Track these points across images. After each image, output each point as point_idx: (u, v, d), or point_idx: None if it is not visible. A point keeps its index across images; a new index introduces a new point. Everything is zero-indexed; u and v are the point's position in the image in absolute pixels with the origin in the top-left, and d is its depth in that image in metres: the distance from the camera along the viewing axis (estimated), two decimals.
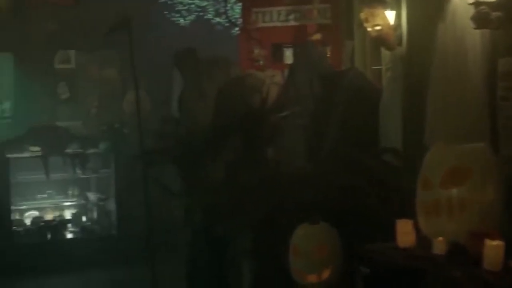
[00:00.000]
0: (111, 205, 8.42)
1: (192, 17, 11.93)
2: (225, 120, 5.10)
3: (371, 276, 3.68)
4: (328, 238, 4.16)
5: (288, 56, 6.96)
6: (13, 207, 8.05)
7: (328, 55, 6.27)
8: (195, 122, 5.70)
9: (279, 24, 6.91)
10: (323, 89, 5.36)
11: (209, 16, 11.98)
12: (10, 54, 10.75)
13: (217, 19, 11.96)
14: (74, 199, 8.52)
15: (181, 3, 11.89)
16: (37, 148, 8.06)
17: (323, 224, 4.19)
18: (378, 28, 4.73)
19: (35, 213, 8.37)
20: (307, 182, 4.66)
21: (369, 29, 4.84)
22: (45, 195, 8.50)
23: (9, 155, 7.93)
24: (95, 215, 8.66)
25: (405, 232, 3.49)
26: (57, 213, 8.45)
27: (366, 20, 4.77)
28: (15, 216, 8.22)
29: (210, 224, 5.48)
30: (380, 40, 4.89)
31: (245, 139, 5.03)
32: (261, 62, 6.92)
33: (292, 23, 6.89)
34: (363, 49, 5.82)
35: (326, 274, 4.10)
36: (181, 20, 11.83)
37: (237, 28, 9.90)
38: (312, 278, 4.13)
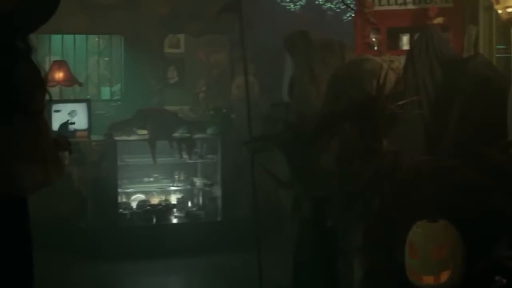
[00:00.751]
0: (217, 191, 8.28)
1: (302, 2, 11.60)
2: (339, 106, 4.81)
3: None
4: (448, 238, 3.84)
5: (405, 41, 6.61)
6: (119, 190, 8.02)
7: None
8: (306, 107, 5.43)
9: (396, 7, 6.53)
10: (445, 76, 5.00)
11: (320, 1, 11.64)
12: (120, 36, 10.80)
13: (328, 4, 11.63)
14: (180, 184, 8.42)
15: None
16: (144, 132, 7.99)
17: (443, 222, 3.88)
18: (510, 10, 4.34)
19: (141, 196, 8.32)
20: (426, 175, 4.35)
21: (499, 11, 4.46)
22: (151, 179, 8.44)
23: (117, 138, 7.90)
24: (200, 200, 8.54)
25: None
26: (162, 198, 8.36)
27: (497, 2, 4.39)
28: (122, 199, 8.19)
29: (319, 215, 5.24)
30: None
31: (360, 127, 4.73)
32: (375, 48, 6.58)
33: (411, 6, 6.50)
34: (489, 34, 5.42)
35: (444, 276, 3.80)
36: (291, 5, 11.59)
37: (352, 12, 9.61)
38: (428, 279, 3.84)
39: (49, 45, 10.67)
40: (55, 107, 8.08)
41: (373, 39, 6.40)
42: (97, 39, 11.15)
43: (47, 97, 3.10)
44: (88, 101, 8.40)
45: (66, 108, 8.15)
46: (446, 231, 3.86)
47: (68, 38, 10.78)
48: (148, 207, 8.08)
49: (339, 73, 4.99)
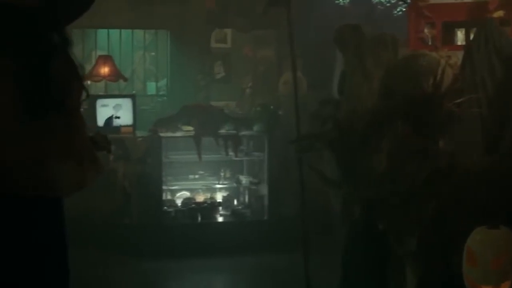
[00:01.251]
0: (263, 189, 8.09)
1: None
2: (392, 104, 4.59)
3: None
4: (510, 246, 3.60)
5: (460, 36, 6.34)
6: (164, 187, 7.88)
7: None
8: (356, 105, 5.20)
9: (452, 0, 6.25)
10: (505, 73, 4.73)
11: None
12: (166, 31, 10.70)
13: None
14: (226, 182, 8.25)
15: None
16: (190, 128, 7.85)
17: (504, 229, 3.63)
18: None
19: (186, 194, 8.18)
20: (485, 178, 4.11)
21: None
22: (196, 176, 8.29)
23: (162, 134, 7.77)
24: (246, 199, 8.37)
25: None
26: (208, 195, 8.21)
27: None
28: (167, 196, 8.06)
29: (370, 218, 5.03)
30: None
31: (414, 126, 4.51)
32: (430, 43, 6.32)
33: None
34: None
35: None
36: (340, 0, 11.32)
37: (403, 6, 9.33)
38: None
39: (95, 39, 10.61)
40: (101, 102, 7.99)
41: (427, 34, 6.12)
42: (143, 34, 11.02)
43: (84, 94, 2.92)
44: (133, 96, 8.28)
45: (111, 103, 8.04)
46: (508, 239, 3.62)
47: (114, 32, 10.70)
48: (193, 205, 7.94)
49: (393, 69, 4.75)
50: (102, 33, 10.68)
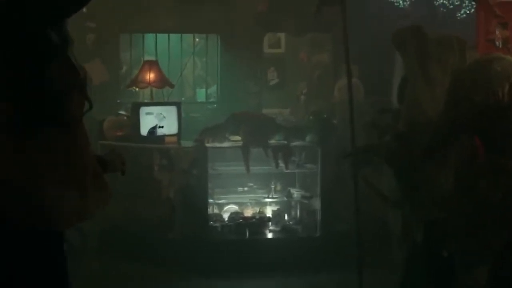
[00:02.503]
0: (316, 204, 7.56)
1: None
2: (461, 114, 4.02)
3: None
4: None
5: None
6: (210, 200, 7.44)
7: None
8: (419, 114, 4.67)
9: None
10: None
11: None
12: (216, 35, 10.40)
13: (441, 0, 10.77)
14: (276, 195, 7.73)
15: None
16: (238, 138, 7.38)
17: None
18: None
19: (234, 207, 7.71)
20: None
21: None
22: (244, 189, 7.81)
23: (208, 144, 7.31)
24: (298, 213, 7.85)
25: None
26: (257, 210, 7.72)
27: None
28: (213, 210, 7.62)
29: (433, 242, 4.49)
30: None
31: (487, 139, 3.95)
32: (500, 45, 5.71)
33: None
34: None
35: None
36: (400, 1, 10.82)
37: (467, 9, 8.81)
38: None
39: (142, 44, 10.26)
40: (145, 109, 7.59)
41: (499, 35, 5.52)
42: (192, 38, 10.68)
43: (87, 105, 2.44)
44: (178, 104, 7.82)
45: (155, 111, 7.62)
46: None
47: (162, 37, 10.35)
48: (241, 220, 7.47)
49: (462, 74, 4.18)
50: (150, 38, 10.38)
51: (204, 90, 11.09)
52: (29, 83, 2.18)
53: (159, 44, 10.26)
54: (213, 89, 10.99)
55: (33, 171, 2.20)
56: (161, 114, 7.47)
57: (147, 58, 9.52)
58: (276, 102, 10.63)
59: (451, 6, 10.66)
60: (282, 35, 11.14)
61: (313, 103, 10.19)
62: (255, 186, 7.86)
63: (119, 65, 10.45)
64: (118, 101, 9.81)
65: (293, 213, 7.88)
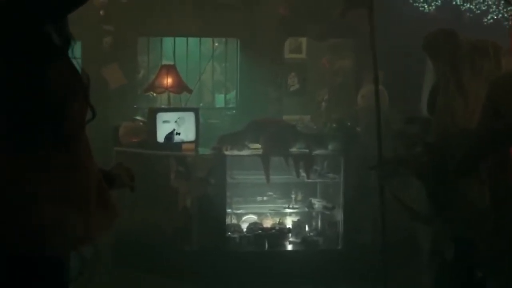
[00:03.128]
0: (338, 215, 7.27)
1: (438, 2, 10.47)
2: (498, 125, 3.73)
3: None
4: None
5: None
6: (229, 210, 7.17)
7: None
8: (451, 124, 4.39)
9: None
10: None
11: (458, 1, 10.43)
12: (236, 39, 10.11)
13: (467, 5, 10.47)
14: (297, 206, 7.45)
15: None
16: (257, 146, 7.10)
17: None
18: None
19: (253, 217, 7.44)
20: None
21: None
22: (264, 199, 7.53)
23: (226, 152, 7.05)
24: (319, 225, 7.56)
25: None
26: (276, 220, 7.44)
27: None
28: (231, 220, 7.35)
29: (465, 262, 4.20)
30: None
31: None
32: None
33: None
34: None
35: None
36: (425, 6, 10.53)
37: (496, 12, 8.51)
38: None
39: (160, 48, 10.03)
40: (162, 116, 7.33)
41: None
42: (211, 43, 10.38)
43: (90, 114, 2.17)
44: (196, 110, 7.56)
45: (172, 117, 7.36)
46: None
47: (181, 41, 10.05)
48: (260, 231, 7.19)
49: (499, 81, 3.88)
50: (168, 41, 10.09)
51: (223, 95, 10.77)
52: (27, 85, 1.91)
53: (178, 48, 9.97)
54: (232, 94, 10.68)
55: (28, 189, 1.94)
56: (178, 119, 7.20)
57: (165, 62, 9.23)
58: (297, 109, 10.24)
59: (478, 11, 10.40)
60: (303, 40, 10.71)
61: (334, 110, 9.97)
62: (274, 196, 7.58)
63: (136, 69, 10.14)
64: (135, 106, 9.55)
65: (314, 224, 7.59)
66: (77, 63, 2.17)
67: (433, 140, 4.48)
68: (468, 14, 10.41)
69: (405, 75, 9.11)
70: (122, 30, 9.54)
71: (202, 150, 7.34)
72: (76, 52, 8.36)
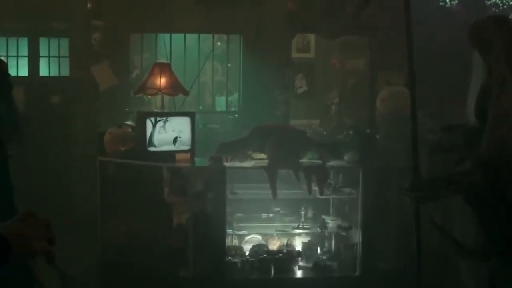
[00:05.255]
0: (355, 236, 6.38)
1: None
2: None
3: None
4: None
5: None
6: (229, 231, 6.27)
7: None
8: (508, 134, 3.47)
9: None
10: None
11: None
12: (239, 36, 9.54)
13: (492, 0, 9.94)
14: (307, 225, 6.53)
15: None
16: (262, 156, 6.18)
17: None
18: None
19: (257, 237, 6.52)
20: None
21: None
22: (269, 216, 6.63)
23: (227, 163, 6.12)
24: (333, 247, 6.69)
25: None
26: (284, 242, 6.53)
27: None
28: (232, 242, 6.48)
29: None
30: None
31: None
32: None
33: None
34: None
35: None
36: (447, 1, 9.86)
37: None
38: None
39: (155, 46, 9.19)
40: (154, 120, 6.42)
41: None
42: (212, 40, 9.61)
43: None
44: (192, 114, 6.60)
45: (167, 123, 6.44)
46: None
47: (178, 38, 9.34)
48: (265, 254, 6.30)
49: None
50: (164, 38, 9.37)
51: (224, 98, 10.09)
52: None
53: (174, 46, 9.30)
54: (234, 97, 10.02)
55: None
56: (166, 123, 6.31)
57: (160, 61, 8.34)
58: (305, 112, 9.81)
59: (505, 6, 9.70)
60: (312, 38, 10.26)
61: (345, 114, 9.57)
62: (282, 212, 6.67)
63: (129, 68, 9.50)
64: (126, 109, 8.72)
65: (327, 246, 6.74)
66: None
67: (486, 153, 3.53)
68: (493, 9, 9.87)
69: (426, 75, 8.36)
70: (113, 26, 9.01)
71: (199, 161, 6.40)
72: (63, 50, 7.39)
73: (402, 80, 8.90)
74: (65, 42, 9.35)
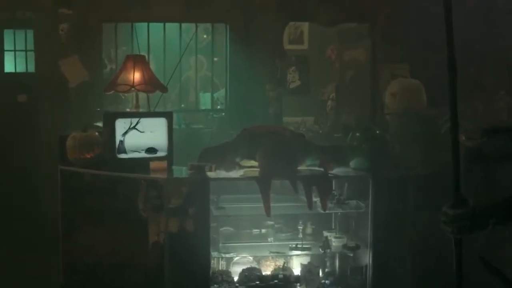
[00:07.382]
0: (364, 257, 5.44)
1: None
2: None
3: None
4: None
5: None
6: (214, 252, 5.32)
7: None
8: None
9: None
10: None
11: None
12: (225, 25, 8.92)
13: None
14: (307, 244, 5.59)
15: None
16: (252, 163, 5.24)
17: None
18: None
19: (248, 259, 5.58)
20: None
21: None
22: (262, 233, 5.71)
23: (210, 173, 5.17)
24: (337, 269, 5.76)
25: None
26: (279, 264, 5.60)
27: None
28: (218, 266, 5.55)
29: None
30: None
31: None
32: None
33: None
34: None
35: None
36: None
37: None
38: None
39: (131, 37, 8.44)
40: (123, 122, 5.50)
41: None
42: (195, 29, 8.81)
43: None
44: (168, 115, 5.62)
45: (143, 127, 5.53)
46: None
47: (157, 27, 8.67)
48: (257, 281, 5.34)
49: None
50: (140, 28, 8.61)
51: (209, 94, 9.53)
52: None
53: (152, 36, 8.66)
54: (220, 93, 9.44)
55: None
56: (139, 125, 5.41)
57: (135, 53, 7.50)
58: (298, 109, 9.74)
59: None
60: (305, 28, 10.16)
61: (344, 110, 9.38)
62: (276, 226, 5.73)
63: (102, 62, 8.85)
64: (98, 109, 7.91)
65: (330, 268, 5.78)
66: None
67: None
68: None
69: (433, 69, 7.66)
70: (83, 15, 8.39)
71: (177, 171, 5.45)
72: (28, 42, 6.32)
73: (408, 74, 8.16)
74: (30, 34, 8.61)
